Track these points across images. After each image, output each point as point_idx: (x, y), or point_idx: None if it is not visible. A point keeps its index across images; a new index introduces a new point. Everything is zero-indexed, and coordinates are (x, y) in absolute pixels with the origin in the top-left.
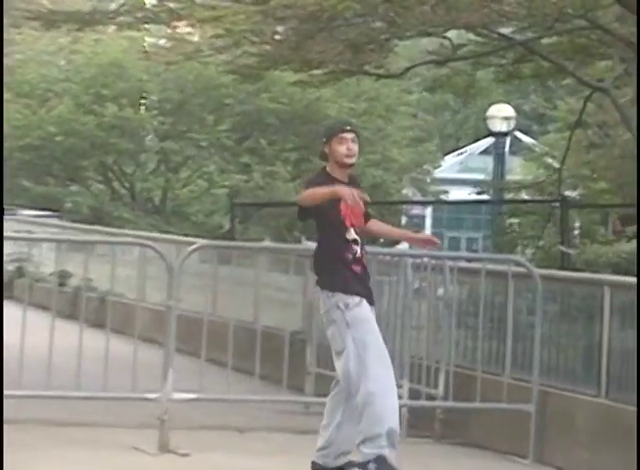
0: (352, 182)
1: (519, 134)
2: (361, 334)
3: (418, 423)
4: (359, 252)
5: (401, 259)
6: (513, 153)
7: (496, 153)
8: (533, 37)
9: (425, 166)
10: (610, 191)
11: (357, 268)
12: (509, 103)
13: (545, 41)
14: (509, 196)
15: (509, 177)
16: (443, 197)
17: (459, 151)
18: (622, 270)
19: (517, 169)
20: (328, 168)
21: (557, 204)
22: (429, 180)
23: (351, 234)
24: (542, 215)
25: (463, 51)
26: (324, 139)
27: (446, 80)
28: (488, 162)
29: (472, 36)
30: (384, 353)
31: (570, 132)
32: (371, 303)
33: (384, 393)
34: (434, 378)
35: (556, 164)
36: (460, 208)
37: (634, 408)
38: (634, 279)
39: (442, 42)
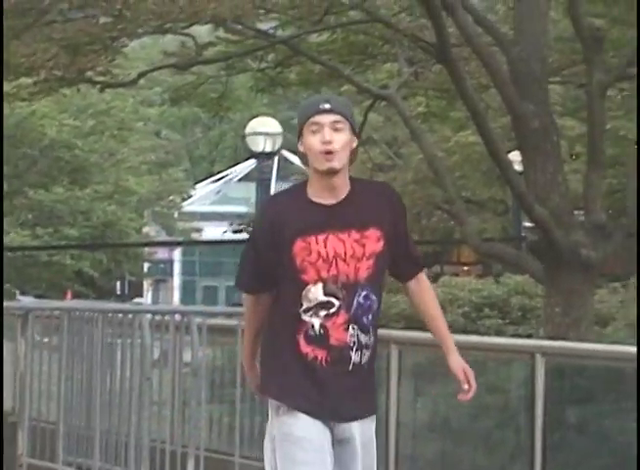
0: (355, 200)
1: (288, 154)
2: (282, 458)
3: None
4: (333, 326)
5: (137, 317)
6: (282, 178)
7: (260, 179)
8: (299, 34)
9: (171, 198)
10: None
11: (316, 354)
12: (274, 116)
13: (314, 39)
14: None
15: None
16: (195, 236)
17: (214, 177)
18: (418, 324)
19: None
20: (309, 183)
21: None
22: (176, 215)
23: (314, 293)
24: None
25: (211, 52)
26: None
27: (192, 90)
28: (251, 190)
29: (222, 33)
30: None
31: None
32: (346, 418)
33: None
34: (180, 466)
35: None
36: (217, 249)
37: None
38: (429, 335)
39: (185, 41)
